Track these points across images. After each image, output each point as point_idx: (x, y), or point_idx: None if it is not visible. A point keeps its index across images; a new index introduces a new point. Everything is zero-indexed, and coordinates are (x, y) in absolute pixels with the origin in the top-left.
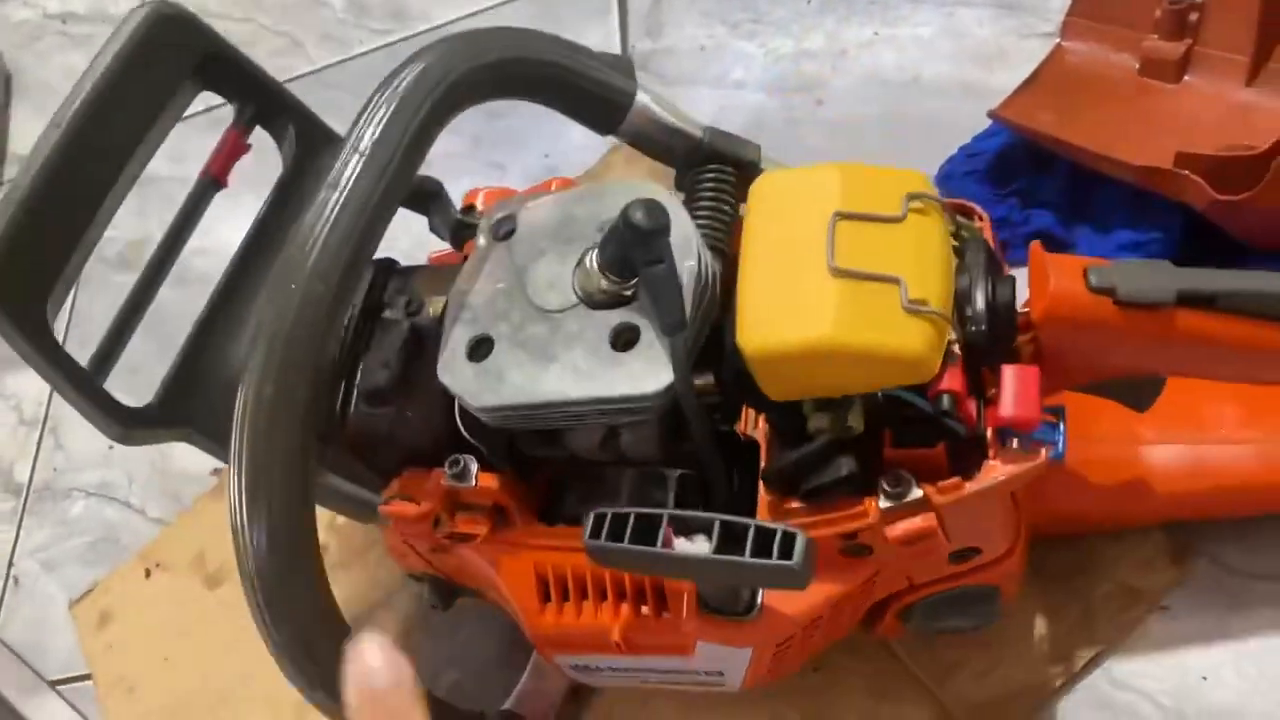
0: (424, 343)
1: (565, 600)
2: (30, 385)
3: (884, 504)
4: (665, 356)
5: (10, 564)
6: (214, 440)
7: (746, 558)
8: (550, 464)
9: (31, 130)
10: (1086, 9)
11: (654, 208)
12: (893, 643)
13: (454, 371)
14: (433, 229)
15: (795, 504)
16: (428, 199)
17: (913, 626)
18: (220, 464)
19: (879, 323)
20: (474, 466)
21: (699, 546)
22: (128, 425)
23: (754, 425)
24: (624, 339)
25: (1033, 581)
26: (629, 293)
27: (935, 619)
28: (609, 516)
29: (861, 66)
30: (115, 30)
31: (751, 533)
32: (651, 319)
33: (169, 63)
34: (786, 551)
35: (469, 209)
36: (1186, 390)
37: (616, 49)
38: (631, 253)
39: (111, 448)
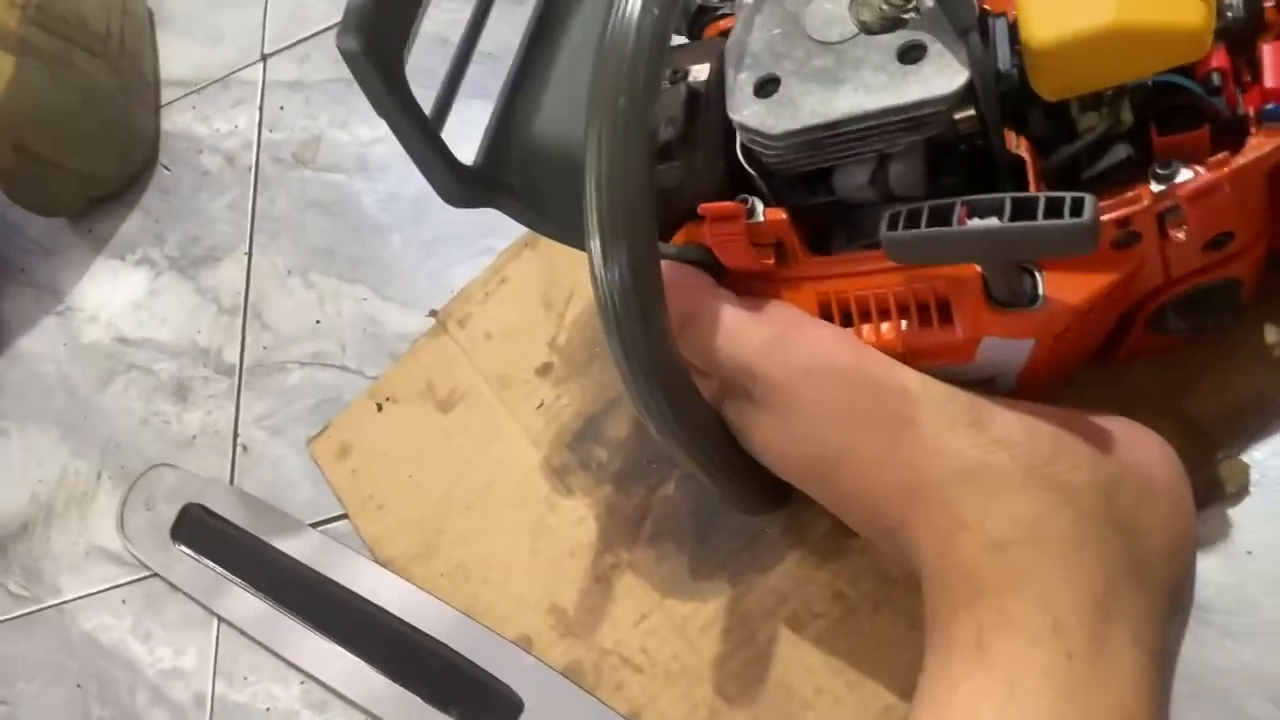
0: (699, 100)
1: (848, 325)
2: (225, 277)
3: (1156, 188)
4: (955, 62)
5: (235, 434)
6: (531, 209)
7: (1040, 220)
8: (817, 213)
9: (183, 58)
10: None
11: None
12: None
13: (746, 109)
14: None
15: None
16: None
17: (1163, 328)
18: (436, 306)
19: (1158, 3)
20: (760, 204)
21: (992, 223)
22: (463, 180)
23: (1018, 146)
24: (911, 55)
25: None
26: (907, 15)
27: (1191, 315)
28: (904, 211)
29: None
30: None
31: (1042, 201)
32: (934, 31)
33: None
34: (1077, 211)
35: (703, 8)
36: None
37: None
38: None
39: (319, 322)
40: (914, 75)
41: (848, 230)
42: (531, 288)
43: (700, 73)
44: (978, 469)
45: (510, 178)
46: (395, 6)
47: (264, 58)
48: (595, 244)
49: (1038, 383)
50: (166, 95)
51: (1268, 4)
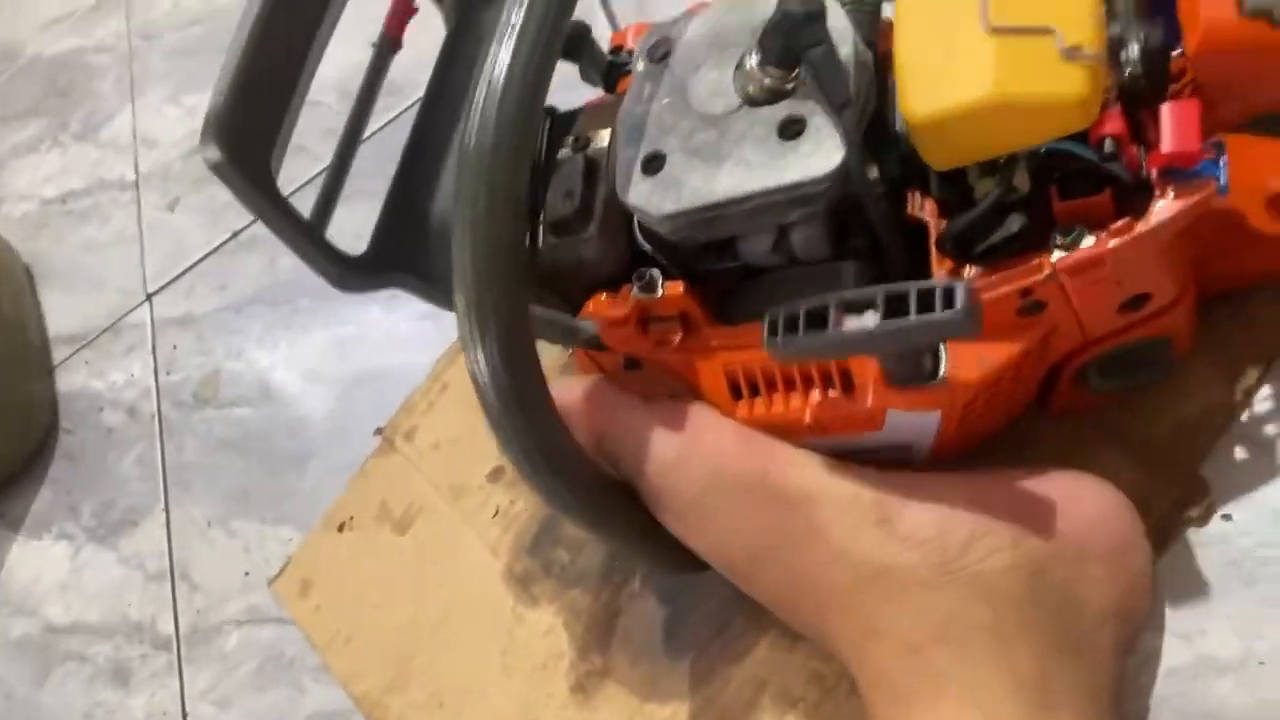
0: (598, 172)
1: (756, 395)
2: (146, 539)
3: (1057, 255)
4: (833, 139)
5: (184, 714)
6: (428, 282)
7: (913, 317)
8: (725, 276)
9: (69, 311)
10: None
11: None
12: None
13: (632, 188)
14: (584, 76)
15: (970, 269)
16: (576, 44)
17: (1089, 388)
18: (381, 424)
19: (1039, 73)
20: (659, 277)
21: (868, 320)
22: (350, 272)
23: (920, 208)
24: (791, 129)
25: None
26: (790, 86)
27: (1110, 376)
28: (781, 315)
29: None
30: None
31: (913, 294)
32: (817, 102)
33: None
34: (949, 302)
35: (618, 49)
36: None
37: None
38: (792, 40)
39: (247, 573)
40: (793, 153)
41: (759, 295)
42: (472, 391)
43: (602, 139)
44: (885, 572)
45: (409, 256)
46: (256, 113)
47: (149, 297)
48: (465, 335)
49: (960, 446)
50: (58, 354)
51: (1174, 54)
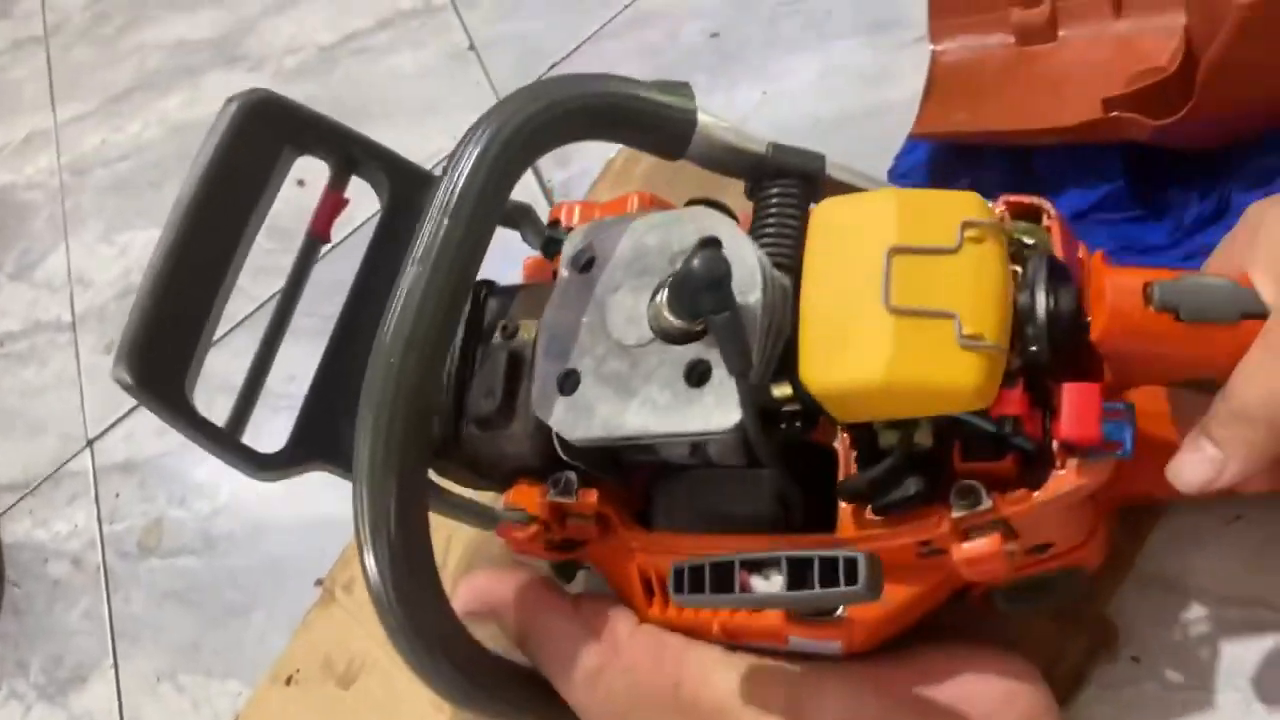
0: (521, 367)
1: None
2: (96, 697)
3: (956, 514)
4: (734, 396)
5: None
6: (347, 470)
7: (816, 589)
8: (645, 465)
9: (10, 458)
10: (944, 7)
11: (714, 261)
12: None
13: (546, 405)
14: (525, 241)
15: (871, 514)
16: (516, 219)
17: (996, 608)
18: (322, 574)
19: (934, 360)
20: (575, 482)
21: (772, 584)
22: (269, 469)
23: (835, 436)
24: (698, 373)
25: None
26: (700, 328)
27: (1017, 601)
28: (686, 570)
29: (763, 127)
30: (215, 121)
31: (816, 564)
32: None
33: (266, 139)
34: (851, 577)
35: (555, 224)
36: None
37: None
38: (694, 301)
39: None
40: (697, 402)
41: (681, 489)
42: None
43: (531, 330)
44: None
45: (331, 446)
46: (170, 338)
47: (89, 444)
48: (360, 537)
49: (872, 648)
50: (1, 503)
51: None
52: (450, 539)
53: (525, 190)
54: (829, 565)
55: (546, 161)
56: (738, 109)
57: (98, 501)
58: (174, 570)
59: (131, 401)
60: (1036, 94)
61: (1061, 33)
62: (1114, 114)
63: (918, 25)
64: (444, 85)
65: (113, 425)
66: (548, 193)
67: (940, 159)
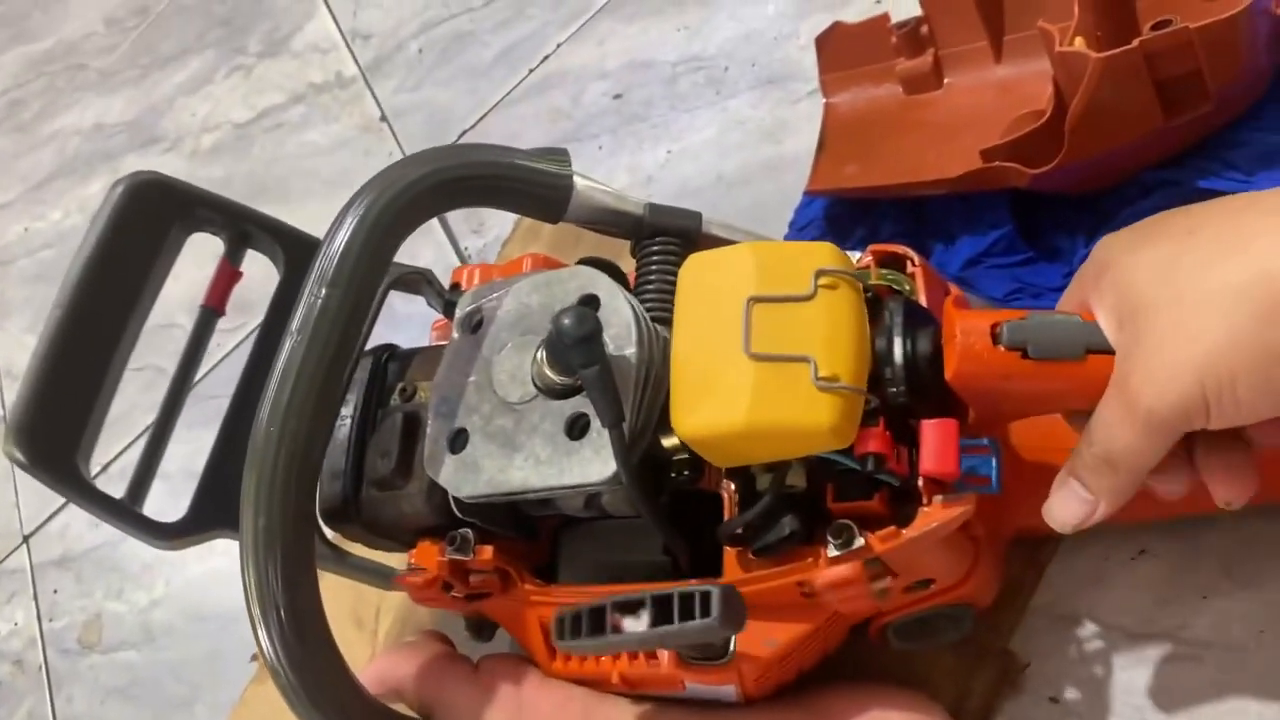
0: (419, 427)
1: None
2: None
3: (832, 553)
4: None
5: None
6: None
7: (675, 624)
8: (550, 518)
9: None
10: (833, 62)
11: (581, 316)
12: None
13: (437, 464)
14: (430, 306)
15: (752, 556)
16: (418, 285)
17: (891, 644)
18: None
19: (792, 403)
20: (472, 539)
21: (641, 622)
22: (168, 538)
23: (718, 482)
24: (578, 427)
25: None
26: (579, 383)
27: (909, 638)
28: (567, 617)
29: (669, 186)
30: (101, 205)
31: (676, 599)
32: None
33: (153, 220)
34: (706, 609)
35: (455, 287)
36: None
37: (451, 257)
38: (567, 356)
39: None
40: (576, 455)
41: (581, 541)
42: (340, 609)
43: (428, 390)
44: None
45: (225, 516)
46: (60, 415)
47: (25, 540)
48: (252, 615)
49: (769, 692)
50: None
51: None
52: (380, 608)
53: (442, 255)
54: (687, 600)
55: (461, 228)
56: (644, 169)
57: (36, 600)
58: (115, 666)
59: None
60: (924, 145)
61: (946, 80)
62: (994, 164)
63: (811, 78)
64: (358, 157)
65: (48, 519)
66: (464, 260)
67: (836, 212)
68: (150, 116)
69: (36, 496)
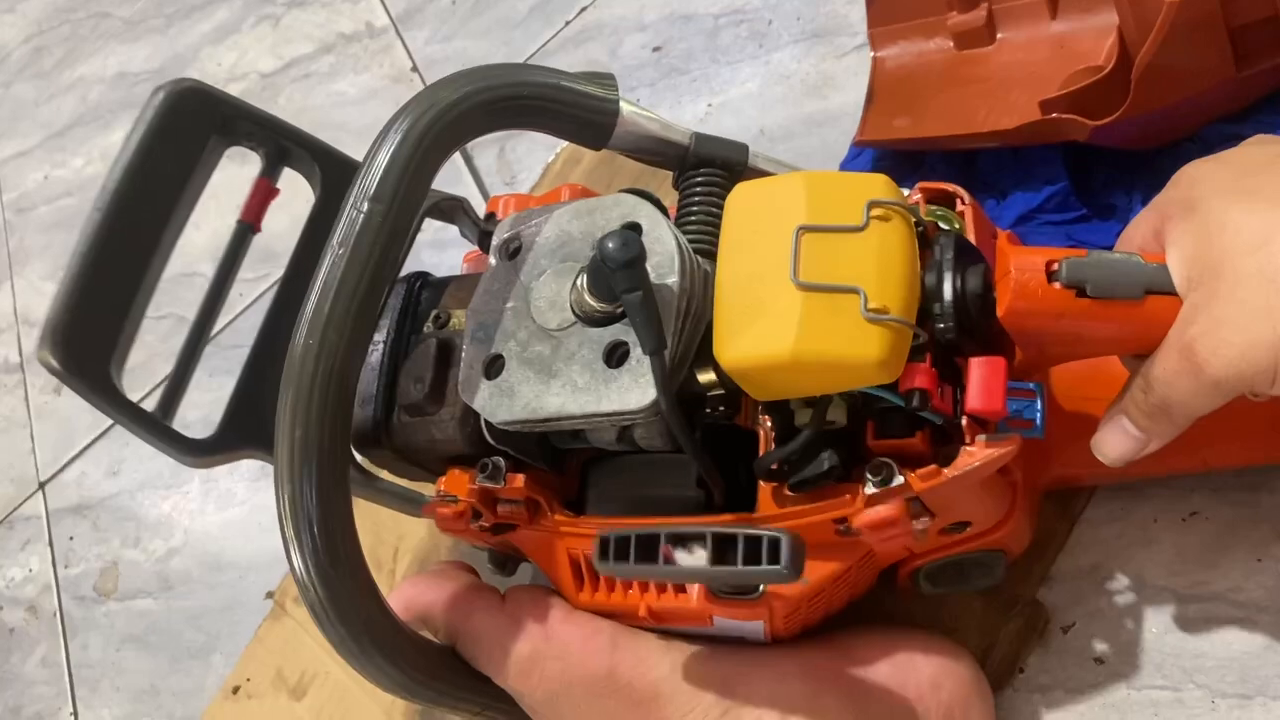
0: (451, 354)
1: (598, 581)
2: None
3: (869, 490)
4: (649, 375)
5: None
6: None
7: (739, 566)
8: (579, 453)
9: None
10: (882, 15)
11: (626, 240)
12: None
13: (472, 389)
14: (463, 235)
15: (789, 492)
16: (450, 213)
17: (921, 588)
18: (273, 587)
19: (840, 334)
20: (504, 467)
21: (696, 558)
22: (197, 454)
23: (754, 419)
24: (617, 355)
25: None
26: (620, 310)
27: (940, 583)
28: (612, 540)
29: None
30: (141, 110)
31: (741, 542)
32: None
33: (192, 129)
34: (774, 556)
35: (490, 216)
36: None
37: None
38: (610, 281)
39: None
40: (614, 382)
41: (610, 474)
42: None
43: (462, 317)
44: None
45: (260, 432)
46: (95, 323)
47: (41, 486)
48: (285, 536)
49: (796, 633)
50: None
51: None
52: (398, 549)
53: (468, 193)
54: (753, 543)
55: (494, 180)
56: (683, 123)
57: (52, 546)
58: (132, 613)
59: (83, 442)
60: (976, 98)
61: (999, 35)
62: (1053, 115)
63: (858, 32)
64: (388, 107)
65: (64, 466)
66: (481, 184)
67: (884, 165)
68: (175, 65)
69: (53, 445)
